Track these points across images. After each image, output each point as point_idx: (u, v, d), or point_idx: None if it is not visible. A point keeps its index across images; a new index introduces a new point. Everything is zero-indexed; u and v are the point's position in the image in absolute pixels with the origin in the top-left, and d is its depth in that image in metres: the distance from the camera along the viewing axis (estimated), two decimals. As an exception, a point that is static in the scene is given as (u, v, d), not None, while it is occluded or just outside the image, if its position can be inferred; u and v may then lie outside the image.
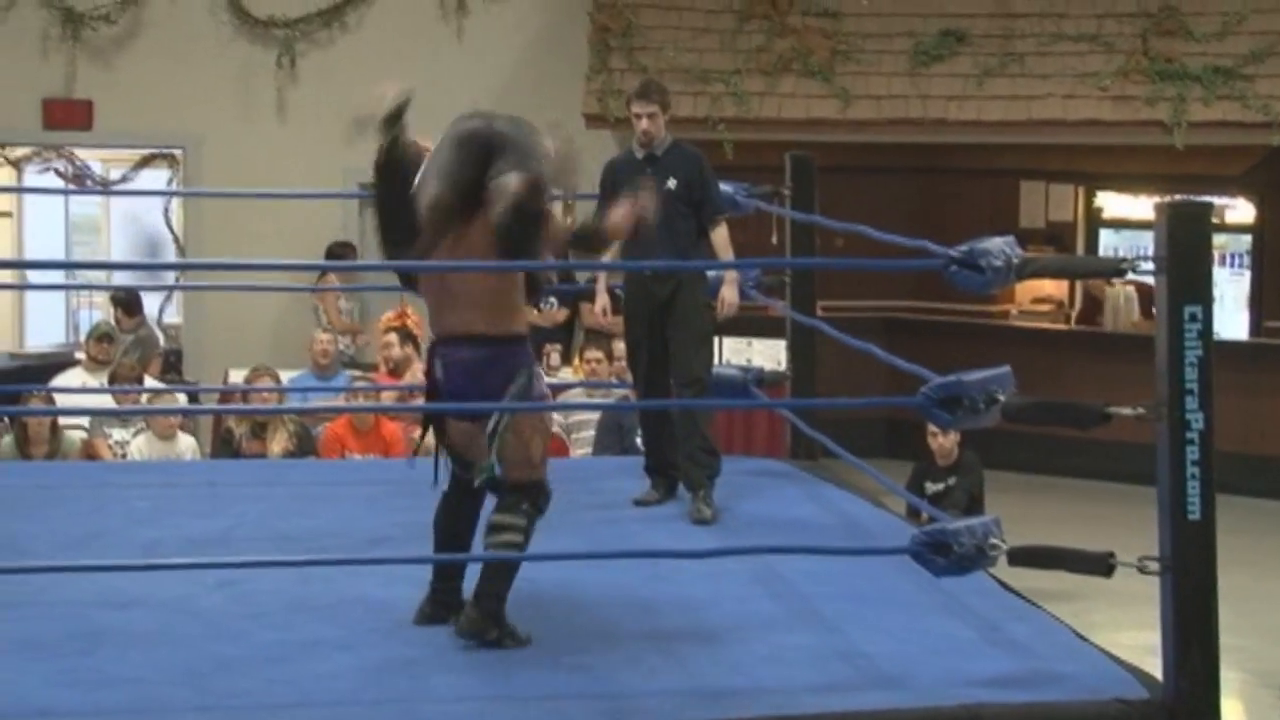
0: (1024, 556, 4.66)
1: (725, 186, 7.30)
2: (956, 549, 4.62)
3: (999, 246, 4.81)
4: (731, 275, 6.81)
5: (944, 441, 9.43)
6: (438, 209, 4.86)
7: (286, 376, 10.00)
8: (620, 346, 9.83)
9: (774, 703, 4.35)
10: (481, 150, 4.97)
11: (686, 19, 12.62)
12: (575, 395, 9.76)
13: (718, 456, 6.61)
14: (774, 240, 7.67)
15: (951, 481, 9.46)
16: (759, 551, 5.57)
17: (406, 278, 5.15)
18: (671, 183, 6.57)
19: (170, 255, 13.41)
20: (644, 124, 6.64)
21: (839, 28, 12.73)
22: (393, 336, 10.03)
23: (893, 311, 13.95)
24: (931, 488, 9.37)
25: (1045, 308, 14.27)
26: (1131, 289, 13.69)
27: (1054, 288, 14.20)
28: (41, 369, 12.23)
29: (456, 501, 5.08)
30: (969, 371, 4.85)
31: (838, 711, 4.31)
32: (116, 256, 15.33)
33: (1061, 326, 14.20)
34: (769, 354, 9.99)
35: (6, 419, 9.67)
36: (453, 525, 5.08)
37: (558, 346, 11.35)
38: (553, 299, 12.20)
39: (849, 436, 6.73)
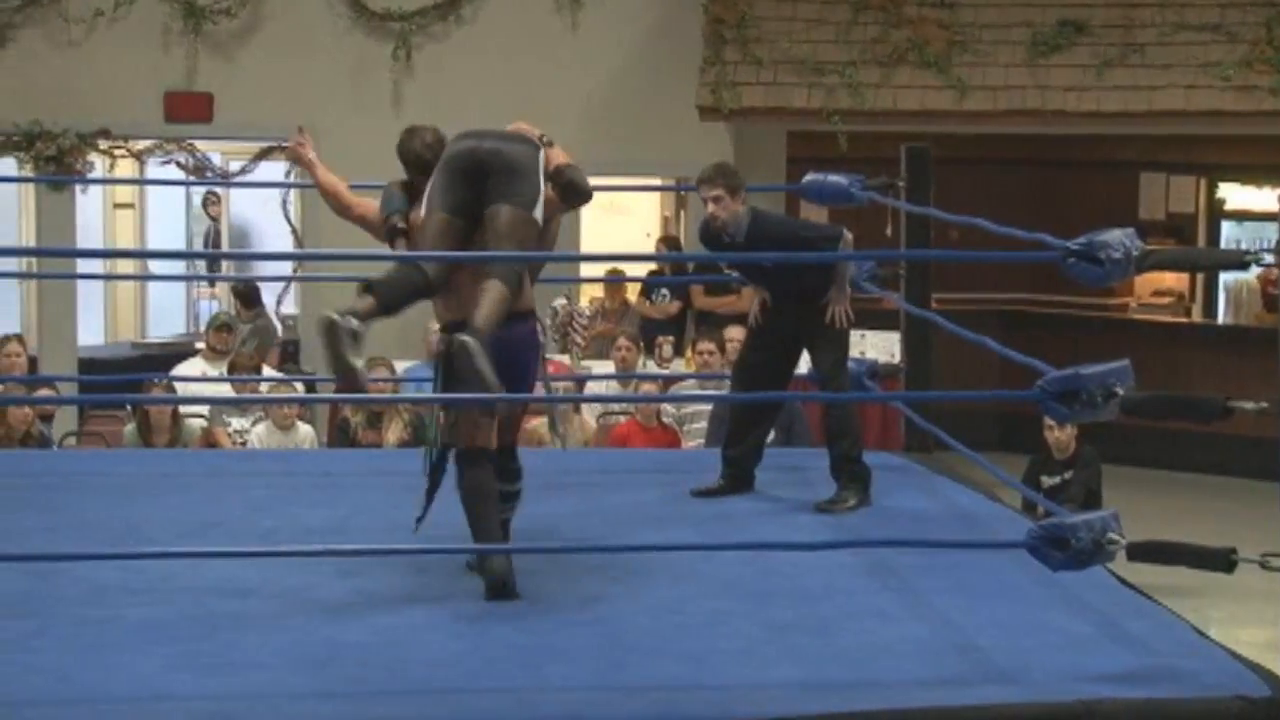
0: (1143, 552, 4.61)
1: (840, 178, 7.26)
2: (1074, 543, 4.57)
3: (1118, 239, 4.75)
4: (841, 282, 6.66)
5: (1061, 435, 9.35)
6: (449, 235, 5.34)
7: (402, 367, 10.07)
8: (733, 336, 9.84)
9: (887, 696, 4.32)
10: (474, 171, 5.35)
11: (801, 10, 12.56)
12: (687, 387, 9.75)
13: (864, 464, 6.54)
14: (888, 232, 7.62)
15: (1068, 475, 9.37)
16: (873, 544, 5.54)
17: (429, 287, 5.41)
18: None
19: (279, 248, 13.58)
20: (710, 208, 6.43)
21: (955, 18, 12.62)
22: None
23: (1009, 304, 13.84)
24: (1048, 481, 9.28)
25: (1165, 300, 14.08)
26: (1254, 282, 13.47)
27: (1174, 280, 14.00)
28: (163, 358, 12.43)
29: None
30: (1087, 365, 4.79)
31: (952, 706, 4.27)
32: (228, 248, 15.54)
33: (1182, 320, 14.01)
34: (883, 346, 9.95)
35: (129, 407, 9.83)
36: None
37: (670, 338, 11.36)
38: (665, 291, 12.21)
39: (963, 429, 6.67)
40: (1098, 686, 4.37)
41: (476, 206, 5.34)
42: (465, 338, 5.09)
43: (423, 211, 5.46)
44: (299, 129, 5.91)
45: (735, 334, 9.86)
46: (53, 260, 11.31)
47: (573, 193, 5.58)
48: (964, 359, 8.30)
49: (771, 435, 7.02)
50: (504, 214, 5.30)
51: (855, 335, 6.90)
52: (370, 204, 5.81)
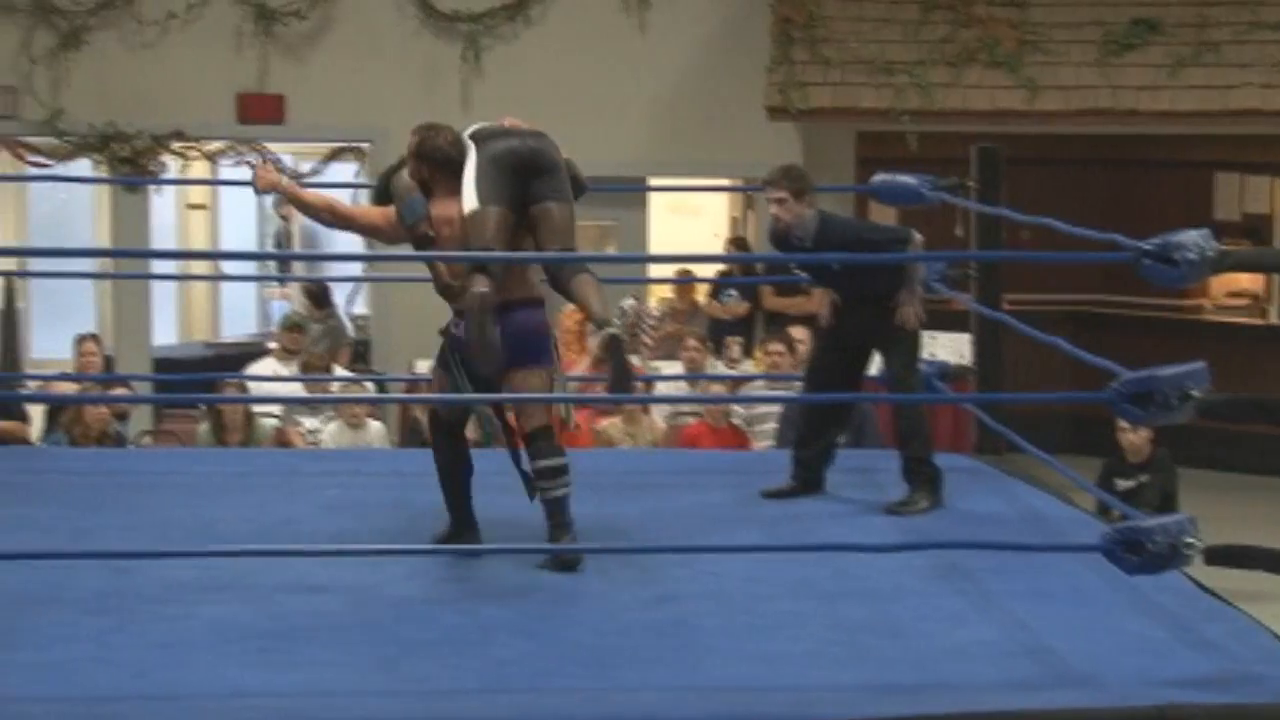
0: (1221, 556, 4.57)
1: (909, 178, 7.23)
2: (1150, 547, 4.54)
3: (1193, 240, 4.71)
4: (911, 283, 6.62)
5: (1135, 438, 9.27)
6: (506, 227, 5.53)
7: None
8: (797, 335, 9.82)
9: (959, 699, 4.30)
10: (522, 169, 5.61)
11: (870, 9, 12.52)
12: (756, 387, 9.74)
13: (935, 466, 6.52)
14: (959, 233, 7.58)
15: (1144, 479, 9.29)
16: (944, 546, 5.52)
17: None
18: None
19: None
20: (773, 209, 6.43)
21: (1025, 17, 12.55)
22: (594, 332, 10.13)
23: (1081, 305, 13.74)
24: (1122, 484, 9.20)
25: (1241, 302, 13.94)
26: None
27: (1250, 282, 13.86)
28: (236, 358, 12.52)
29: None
30: (1162, 366, 4.75)
31: (1025, 709, 4.25)
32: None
33: (1258, 321, 13.86)
34: (953, 348, 9.89)
35: (203, 406, 9.91)
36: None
37: (739, 339, 11.34)
38: (733, 291, 12.20)
39: (1034, 431, 6.63)
40: (1173, 691, 4.34)
41: (522, 202, 5.57)
42: (615, 331, 5.68)
43: (465, 205, 5.53)
44: (261, 159, 5.92)
45: (798, 333, 9.85)
46: (128, 260, 11.42)
47: (579, 186, 5.82)
48: (1035, 360, 8.26)
49: (841, 437, 7.00)
50: (556, 210, 5.60)
51: (926, 336, 6.87)
52: (374, 212, 5.82)
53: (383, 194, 5.80)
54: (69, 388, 9.66)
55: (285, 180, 5.99)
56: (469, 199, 5.52)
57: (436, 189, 5.64)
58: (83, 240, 14.69)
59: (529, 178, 5.59)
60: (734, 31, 12.67)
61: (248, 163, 12.79)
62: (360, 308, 13.93)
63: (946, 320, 9.22)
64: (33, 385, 11.06)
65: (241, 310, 16.10)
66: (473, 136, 5.68)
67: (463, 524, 5.73)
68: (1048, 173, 12.87)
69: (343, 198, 13.00)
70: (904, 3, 12.55)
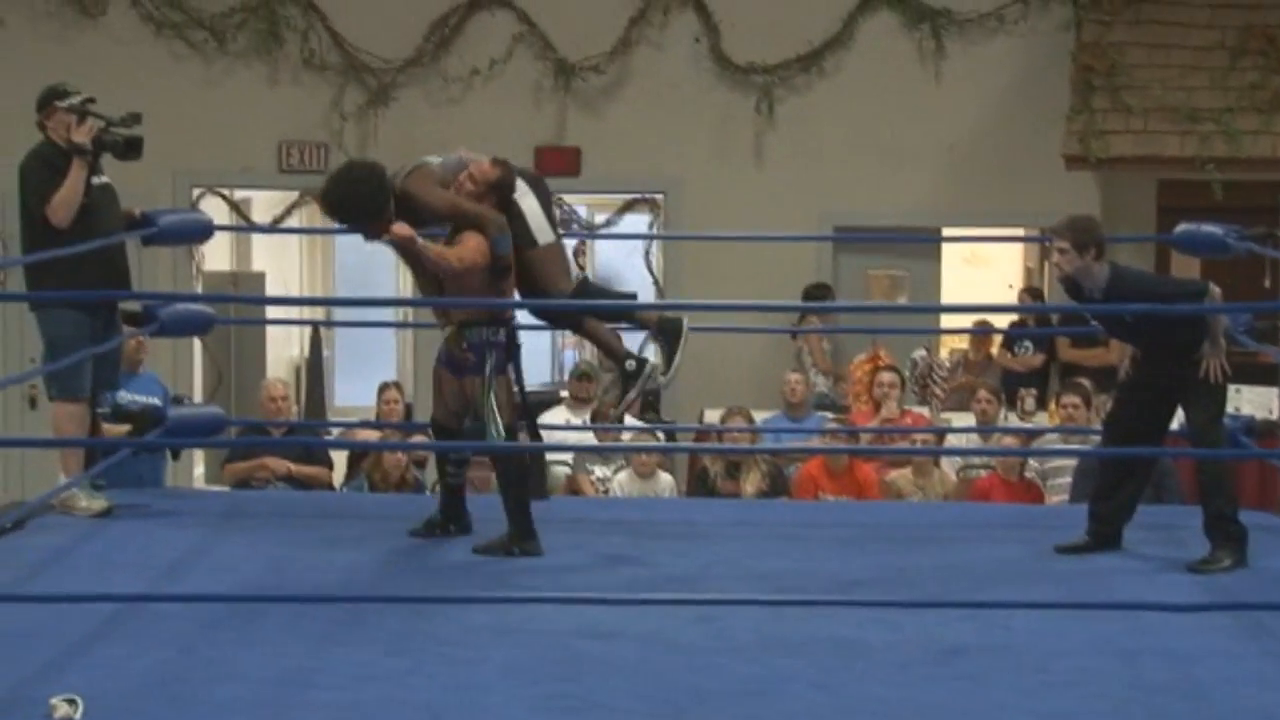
0: None
1: (1214, 228, 7.04)
2: None
3: None
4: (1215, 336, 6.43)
5: None
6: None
7: (760, 417, 10.12)
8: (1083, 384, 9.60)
9: (1266, 766, 4.14)
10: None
11: (1175, 56, 12.21)
12: (1051, 440, 9.54)
13: (1239, 524, 6.31)
14: (1267, 284, 7.35)
15: None
16: (1250, 608, 5.33)
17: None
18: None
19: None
20: (1054, 258, 6.36)
21: (1339, 62, 12.10)
22: (886, 375, 10.06)
23: (1396, 359, 13.15)
24: None
25: None
26: None
27: None
28: (528, 406, 12.72)
29: None
30: None
31: (1337, 779, 4.07)
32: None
33: None
34: (1259, 402, 9.57)
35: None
36: None
37: (1033, 391, 11.13)
38: (1028, 343, 11.99)
39: (1349, 490, 6.37)
40: None
41: None
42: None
43: (541, 237, 6.45)
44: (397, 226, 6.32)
45: (1089, 384, 9.66)
46: (428, 311, 11.71)
47: None
48: (1348, 416, 7.93)
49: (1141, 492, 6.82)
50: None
51: (1231, 390, 6.66)
52: (473, 247, 6.32)
53: (376, 211, 6.25)
54: (370, 435, 9.96)
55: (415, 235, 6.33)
56: (545, 231, 6.46)
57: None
58: (385, 291, 15.15)
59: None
60: (1031, 80, 12.49)
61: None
62: (650, 355, 14.05)
63: (1254, 373, 8.92)
64: (335, 432, 11.44)
65: (535, 359, 16.39)
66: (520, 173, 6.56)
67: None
68: (1362, 222, 12.35)
69: (638, 248, 13.31)
70: (1212, 49, 12.20)
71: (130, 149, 6.83)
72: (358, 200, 6.23)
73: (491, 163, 6.54)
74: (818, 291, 12.00)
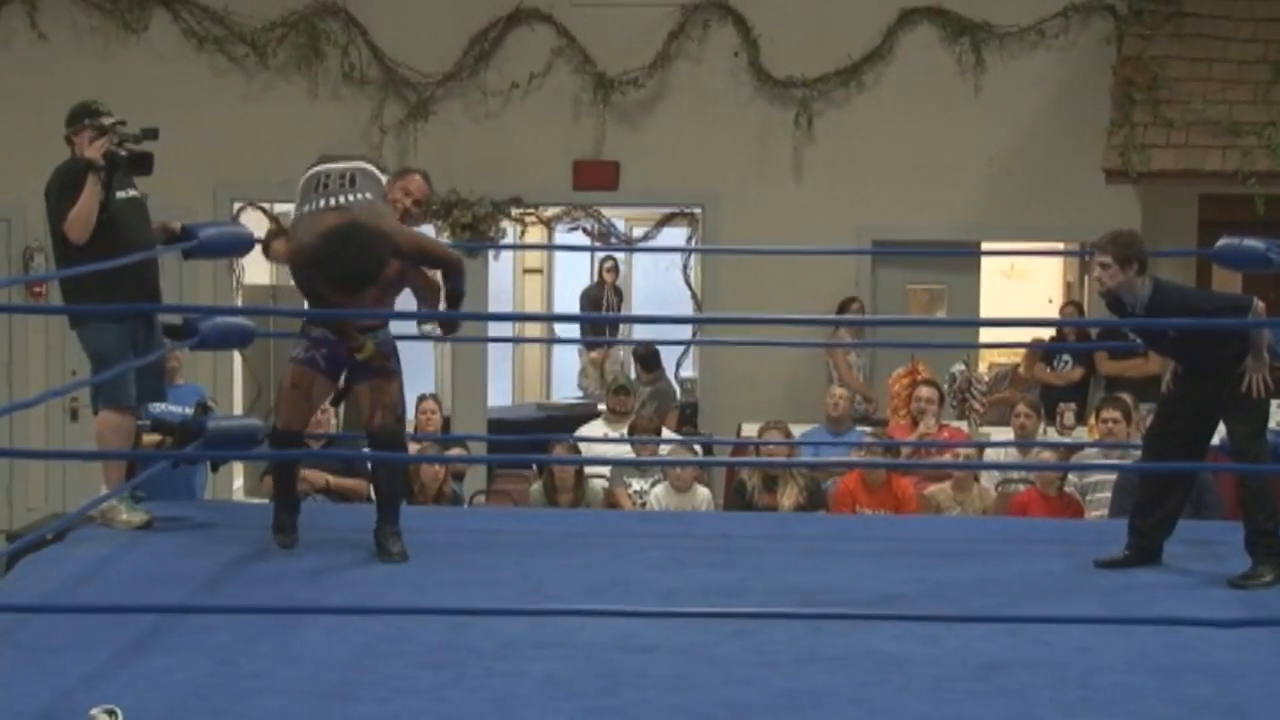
0: None
1: (1256, 243, 7.00)
2: None
3: None
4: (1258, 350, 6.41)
5: None
6: None
7: (798, 431, 10.11)
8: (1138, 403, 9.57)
9: (1309, 784, 4.11)
10: None
11: (1217, 70, 12.15)
12: (1090, 455, 9.50)
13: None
14: (1309, 298, 7.30)
15: None
16: (1292, 624, 5.29)
17: None
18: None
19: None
20: (1095, 272, 6.36)
21: (1382, 76, 12.03)
22: (924, 390, 10.04)
23: None
24: None
25: None
26: None
27: None
28: (566, 420, 12.75)
29: None
30: None
31: (1381, 798, 4.04)
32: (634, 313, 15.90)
33: None
34: (1302, 419, 9.49)
35: (535, 467, 10.11)
36: None
37: (1072, 405, 11.08)
38: (1067, 357, 11.95)
39: (1393, 506, 6.30)
40: None
41: None
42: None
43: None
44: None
45: (1125, 397, 9.63)
46: (465, 323, 11.75)
47: None
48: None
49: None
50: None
51: (1273, 405, 6.62)
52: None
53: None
54: (408, 447, 9.96)
55: None
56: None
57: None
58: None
59: None
60: (1072, 94, 12.46)
61: (583, 228, 13.08)
62: (689, 370, 14.07)
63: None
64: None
65: (573, 373, 16.42)
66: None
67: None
68: (1405, 236, 12.26)
69: (676, 262, 13.31)
70: (1254, 63, 12.14)
71: (135, 164, 6.75)
72: (372, 264, 6.30)
73: (422, 177, 6.80)
74: (846, 305, 12.02)
